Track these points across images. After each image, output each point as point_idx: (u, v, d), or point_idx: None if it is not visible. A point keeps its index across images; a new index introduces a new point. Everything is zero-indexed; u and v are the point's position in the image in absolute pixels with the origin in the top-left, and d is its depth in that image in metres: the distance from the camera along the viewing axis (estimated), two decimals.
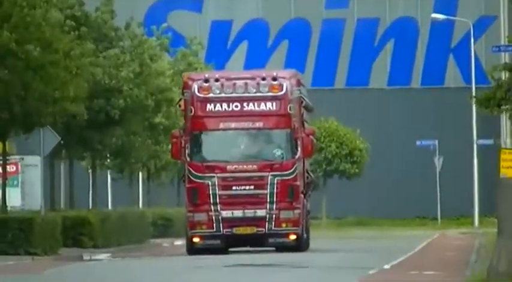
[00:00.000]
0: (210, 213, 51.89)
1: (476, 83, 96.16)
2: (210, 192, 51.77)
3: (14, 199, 65.93)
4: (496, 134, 76.28)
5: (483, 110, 69.42)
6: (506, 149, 56.55)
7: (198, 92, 51.98)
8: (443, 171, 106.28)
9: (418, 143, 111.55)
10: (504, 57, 56.29)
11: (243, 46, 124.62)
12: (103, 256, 55.78)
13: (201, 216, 52.16)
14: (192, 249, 52.06)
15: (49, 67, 51.04)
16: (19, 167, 71.19)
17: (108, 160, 70.37)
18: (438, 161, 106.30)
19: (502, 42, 58.44)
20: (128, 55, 65.95)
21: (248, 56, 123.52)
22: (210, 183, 51.76)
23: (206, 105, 52.17)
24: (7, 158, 57.12)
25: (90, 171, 71.39)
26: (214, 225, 51.65)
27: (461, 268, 41.27)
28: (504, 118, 58.86)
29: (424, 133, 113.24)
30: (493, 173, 63.00)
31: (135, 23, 72.83)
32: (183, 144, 51.93)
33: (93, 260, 53.78)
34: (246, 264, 43.93)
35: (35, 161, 67.35)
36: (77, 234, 59.24)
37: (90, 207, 72.25)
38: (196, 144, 52.40)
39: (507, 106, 49.03)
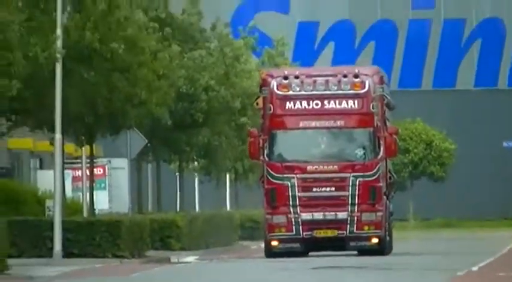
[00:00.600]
0: (289, 216, 50.77)
1: None
2: (290, 193, 50.80)
3: (101, 202, 66.23)
4: None
5: None
6: None
7: (277, 89, 50.98)
8: None
9: (505, 144, 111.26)
10: None
11: (330, 47, 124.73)
12: (191, 258, 55.83)
13: (280, 219, 51.07)
14: (271, 253, 50.94)
15: (136, 68, 51.08)
16: (106, 169, 71.63)
17: (196, 162, 70.17)
18: None
19: None
20: (213, 57, 65.83)
21: (335, 57, 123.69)
22: (289, 184, 50.68)
23: (285, 103, 51.11)
24: (94, 160, 57.00)
25: (177, 173, 71.50)
26: (294, 228, 50.59)
27: None
28: None
29: (511, 134, 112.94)
30: None
31: (221, 24, 72.34)
32: (261, 144, 50.77)
33: (181, 263, 53.67)
34: (331, 266, 42.89)
35: (122, 163, 67.95)
36: (165, 237, 59.34)
37: (178, 209, 72.47)
38: (275, 144, 51.25)
39: None
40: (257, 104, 53.32)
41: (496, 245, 65.35)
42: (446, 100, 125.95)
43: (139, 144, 56.94)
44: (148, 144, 58.34)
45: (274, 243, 50.38)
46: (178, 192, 73.81)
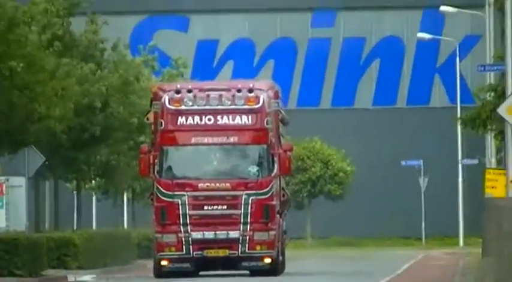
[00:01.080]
0: (179, 235, 49.23)
1: (461, 103, 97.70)
2: (180, 211, 49.11)
3: None
4: (481, 154, 77.18)
5: (468, 130, 70.54)
6: (490, 168, 57.24)
7: (169, 103, 49.78)
8: (428, 190, 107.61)
9: (403, 163, 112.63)
10: (489, 77, 56.79)
11: (229, 65, 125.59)
12: (88, 277, 55.52)
13: (169, 238, 49.68)
14: (161, 273, 50.27)
15: (35, 86, 51.07)
16: (3, 188, 71.72)
17: (93, 181, 70.67)
18: (423, 181, 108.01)
19: (488, 62, 59.06)
20: (105, 70, 66.65)
21: (234, 75, 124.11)
22: (179, 202, 49.01)
23: (177, 118, 49.95)
24: None
25: (75, 192, 71.77)
26: (184, 247, 49.03)
27: None
28: (489, 138, 59.44)
29: (409, 153, 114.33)
30: (478, 193, 63.51)
31: (121, 44, 73.59)
32: (151, 160, 49.51)
33: (78, 281, 54.01)
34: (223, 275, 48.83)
35: (20, 181, 67.87)
36: (62, 255, 59.44)
37: (75, 228, 72.65)
38: (165, 160, 49.78)
39: (492, 126, 49.33)
40: (147, 119, 52.78)
41: (392, 264, 66.53)
42: (345, 119, 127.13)
43: (37, 162, 56.98)
44: (46, 162, 58.52)
45: (164, 262, 49.25)
46: (75, 211, 74.23)
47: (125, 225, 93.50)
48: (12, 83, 50.06)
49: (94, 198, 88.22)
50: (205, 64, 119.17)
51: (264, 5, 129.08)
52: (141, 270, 69.20)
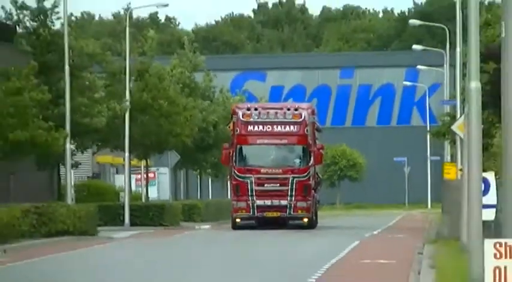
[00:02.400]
0: (248, 202, 50.89)
1: (430, 123, 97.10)
2: (248, 187, 50.51)
3: (152, 193, 68.43)
4: (442, 153, 77.09)
5: (435, 139, 70.61)
6: (447, 162, 56.61)
7: (242, 117, 50.66)
8: (410, 175, 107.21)
9: (395, 159, 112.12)
10: (446, 108, 56.70)
11: (290, 101, 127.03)
12: (206, 226, 57.36)
13: (241, 204, 51.03)
14: (235, 227, 51.10)
15: (173, 115, 53.53)
16: (156, 174, 74.35)
17: (209, 170, 72.67)
18: (407, 170, 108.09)
19: (445, 99, 59.55)
20: (215, 105, 67.41)
21: None
22: (248, 181, 50.78)
23: (247, 127, 50.68)
24: (148, 169, 60.30)
25: (198, 176, 73.77)
26: (251, 210, 50.52)
27: (420, 233, 44.53)
28: (446, 143, 58.77)
29: (398, 153, 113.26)
30: (440, 177, 63.25)
31: (225, 89, 75.06)
32: (230, 154, 50.41)
33: (201, 229, 55.61)
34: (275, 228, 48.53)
35: (165, 170, 70.87)
36: (191, 214, 60.89)
37: (199, 197, 75.25)
38: (239, 154, 50.95)
39: (448, 136, 49.43)
40: (229, 127, 52.87)
41: (388, 218, 68.62)
42: (360, 132, 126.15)
43: (175, 159, 59.00)
44: (181, 159, 59.95)
45: (238, 220, 51.00)
46: (199, 188, 76.68)
47: (229, 197, 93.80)
48: (160, 113, 52.88)
49: (210, 180, 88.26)
50: (276, 101, 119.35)
51: (311, 64, 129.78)
52: None
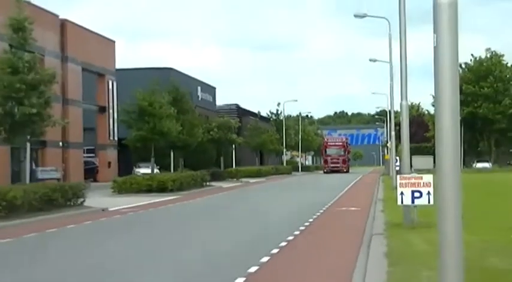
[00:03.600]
0: (325, 165, 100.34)
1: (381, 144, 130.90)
2: (328, 160, 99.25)
3: None
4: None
5: (384, 149, 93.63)
6: (386, 155, 76.21)
7: (326, 143, 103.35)
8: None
9: (373, 153, 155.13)
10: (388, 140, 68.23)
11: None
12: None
13: (325, 166, 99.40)
14: (325, 172, 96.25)
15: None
16: None
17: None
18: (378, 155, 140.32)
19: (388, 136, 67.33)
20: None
21: None
22: (327, 159, 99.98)
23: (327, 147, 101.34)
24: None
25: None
26: (328, 167, 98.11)
27: (379, 173, 70.74)
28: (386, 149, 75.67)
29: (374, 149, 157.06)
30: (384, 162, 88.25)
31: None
32: (323, 151, 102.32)
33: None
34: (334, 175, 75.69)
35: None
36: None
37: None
38: (325, 153, 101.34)
39: (388, 144, 62.05)
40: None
41: (363, 173, 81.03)
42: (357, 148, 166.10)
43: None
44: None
45: (325, 170, 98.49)
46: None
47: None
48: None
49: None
50: None
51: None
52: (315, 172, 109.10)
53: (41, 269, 12.72)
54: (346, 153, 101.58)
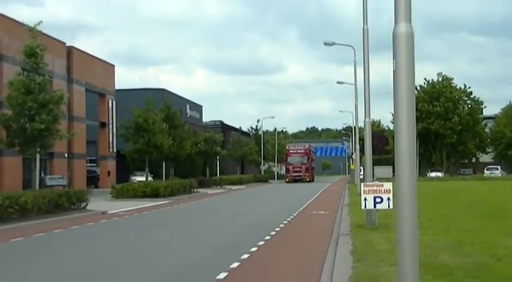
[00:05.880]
0: (287, 174, 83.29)
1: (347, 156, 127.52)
2: (290, 169, 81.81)
3: None
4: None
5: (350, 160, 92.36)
6: (351, 165, 79.84)
7: (288, 152, 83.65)
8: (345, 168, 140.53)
9: (340, 163, 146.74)
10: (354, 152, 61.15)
11: None
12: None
13: (287, 176, 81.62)
14: (287, 182, 79.17)
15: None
16: None
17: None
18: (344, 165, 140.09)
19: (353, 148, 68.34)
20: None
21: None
22: (289, 168, 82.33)
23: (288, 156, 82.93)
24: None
25: None
26: (290, 177, 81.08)
27: (345, 181, 69.52)
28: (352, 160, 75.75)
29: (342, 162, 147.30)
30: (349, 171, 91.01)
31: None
32: (285, 159, 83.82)
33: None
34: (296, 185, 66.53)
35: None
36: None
37: None
38: (287, 161, 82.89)
39: (353, 155, 63.43)
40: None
41: (335, 178, 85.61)
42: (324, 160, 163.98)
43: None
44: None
45: (287, 179, 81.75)
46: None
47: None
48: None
49: None
50: None
51: None
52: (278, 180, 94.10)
53: (50, 261, 12.87)
54: (310, 161, 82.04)
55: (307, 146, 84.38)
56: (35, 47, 26.22)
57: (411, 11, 5.88)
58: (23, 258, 13.51)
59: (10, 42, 37.98)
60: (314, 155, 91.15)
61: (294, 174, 78.28)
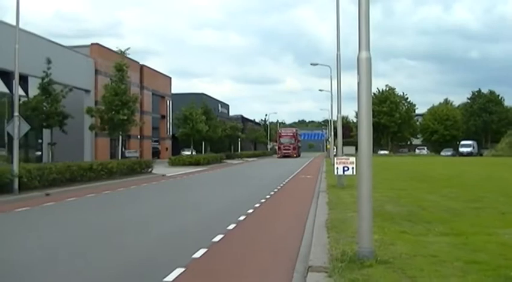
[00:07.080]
0: (279, 151, 68.25)
1: (325, 139, 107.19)
2: (281, 148, 67.75)
3: None
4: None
5: (326, 142, 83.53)
6: (327, 145, 75.22)
7: (280, 133, 69.56)
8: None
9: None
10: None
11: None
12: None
13: (279, 152, 67.54)
14: (279, 157, 64.15)
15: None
16: None
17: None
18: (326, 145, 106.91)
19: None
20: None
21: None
22: (281, 146, 68.10)
23: (280, 136, 68.59)
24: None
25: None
26: (280, 153, 66.93)
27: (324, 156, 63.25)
28: (328, 142, 68.28)
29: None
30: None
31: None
32: (277, 140, 70.55)
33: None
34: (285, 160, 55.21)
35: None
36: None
37: None
38: (279, 141, 68.70)
39: (329, 139, 54.36)
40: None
41: (317, 153, 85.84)
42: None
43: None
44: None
45: (278, 156, 67.29)
46: None
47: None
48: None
49: None
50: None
51: None
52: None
53: (135, 207, 12.69)
54: (296, 141, 71.47)
55: (294, 130, 74.40)
56: (122, 65, 25.95)
57: (370, 43, 5.77)
58: (113, 204, 13.38)
59: (102, 62, 37.54)
60: (300, 137, 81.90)
61: (284, 151, 68.37)
